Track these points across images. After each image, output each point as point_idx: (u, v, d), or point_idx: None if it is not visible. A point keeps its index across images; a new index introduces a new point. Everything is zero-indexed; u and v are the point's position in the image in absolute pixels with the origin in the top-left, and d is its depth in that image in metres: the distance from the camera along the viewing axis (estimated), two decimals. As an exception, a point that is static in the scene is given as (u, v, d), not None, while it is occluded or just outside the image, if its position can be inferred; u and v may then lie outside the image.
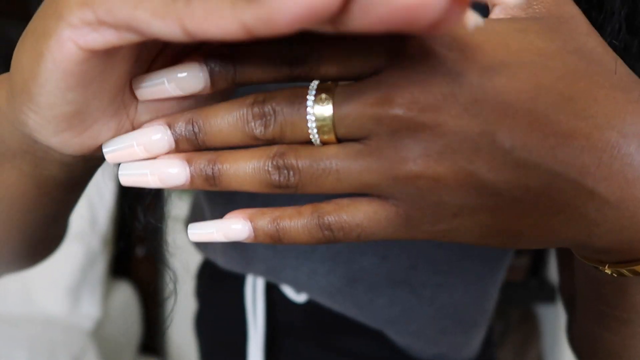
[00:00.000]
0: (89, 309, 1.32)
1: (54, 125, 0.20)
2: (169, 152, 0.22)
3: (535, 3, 0.21)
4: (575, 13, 0.21)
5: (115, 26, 0.17)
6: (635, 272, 0.22)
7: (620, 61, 0.21)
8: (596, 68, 0.20)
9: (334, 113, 0.19)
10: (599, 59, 0.20)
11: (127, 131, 0.23)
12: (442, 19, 0.15)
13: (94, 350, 1.22)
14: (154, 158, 0.22)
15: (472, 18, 0.21)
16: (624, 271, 0.22)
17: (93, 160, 0.25)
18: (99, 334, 1.30)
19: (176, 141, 0.22)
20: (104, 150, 0.23)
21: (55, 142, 0.21)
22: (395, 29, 0.15)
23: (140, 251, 1.51)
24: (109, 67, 0.20)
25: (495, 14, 0.21)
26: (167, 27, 0.16)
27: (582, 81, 0.20)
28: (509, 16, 0.21)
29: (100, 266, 1.36)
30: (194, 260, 0.57)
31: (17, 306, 1.29)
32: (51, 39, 0.18)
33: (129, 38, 0.17)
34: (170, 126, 0.22)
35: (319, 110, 0.20)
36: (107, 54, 0.19)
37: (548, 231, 0.21)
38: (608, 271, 0.22)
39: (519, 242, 0.21)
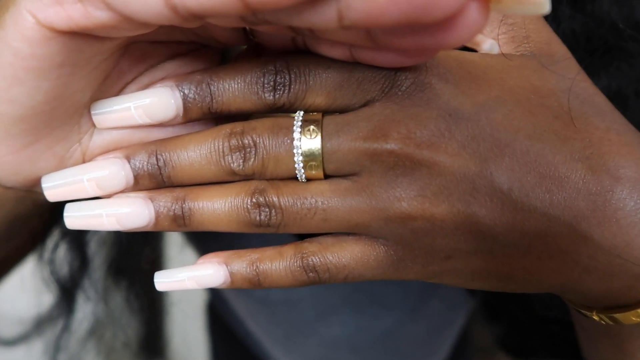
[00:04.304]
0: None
1: None
2: (124, 190, 0.19)
3: (527, 41, 0.20)
4: (565, 53, 0.20)
5: None
6: (614, 320, 0.21)
7: (610, 103, 0.20)
8: (590, 109, 0.19)
9: (322, 147, 0.18)
10: (591, 100, 0.20)
11: (74, 163, 0.19)
12: (460, 17, 0.13)
13: (94, 350, 1.16)
14: (106, 197, 0.19)
15: (488, 42, 0.20)
16: (606, 318, 0.21)
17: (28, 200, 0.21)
18: (99, 334, 1.25)
19: (135, 177, 0.19)
20: (44, 185, 0.19)
21: None
22: (406, 18, 0.13)
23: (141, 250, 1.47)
24: (74, 67, 0.16)
25: (487, 49, 0.20)
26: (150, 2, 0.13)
27: (577, 121, 0.19)
28: (501, 52, 0.20)
29: (101, 266, 1.30)
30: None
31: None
32: (7, 12, 0.15)
33: (99, 19, 0.14)
34: (128, 159, 0.19)
35: (306, 143, 0.18)
36: (73, 45, 0.16)
37: (539, 276, 0.20)
38: (595, 317, 0.21)
39: (509, 286, 0.20)
